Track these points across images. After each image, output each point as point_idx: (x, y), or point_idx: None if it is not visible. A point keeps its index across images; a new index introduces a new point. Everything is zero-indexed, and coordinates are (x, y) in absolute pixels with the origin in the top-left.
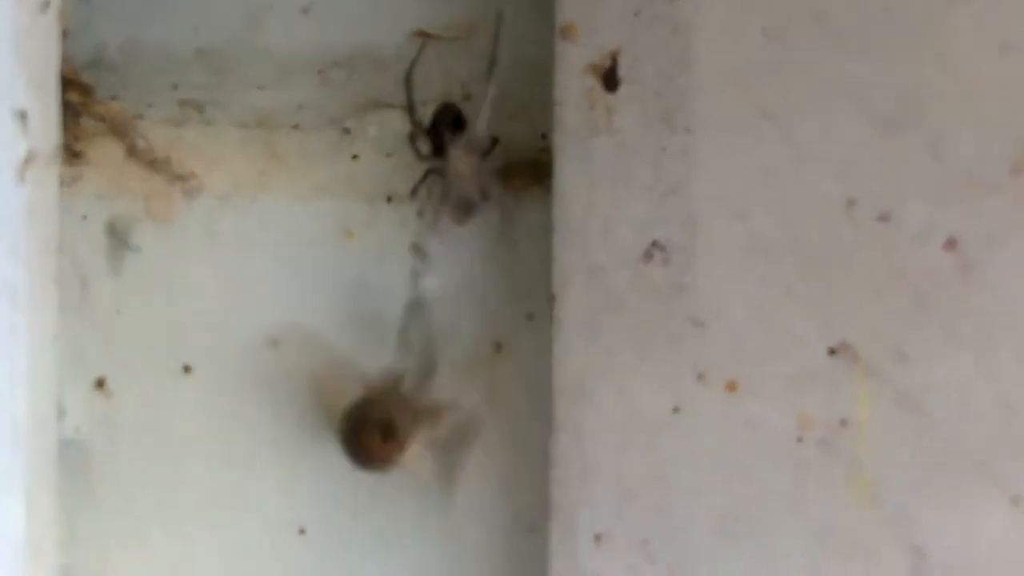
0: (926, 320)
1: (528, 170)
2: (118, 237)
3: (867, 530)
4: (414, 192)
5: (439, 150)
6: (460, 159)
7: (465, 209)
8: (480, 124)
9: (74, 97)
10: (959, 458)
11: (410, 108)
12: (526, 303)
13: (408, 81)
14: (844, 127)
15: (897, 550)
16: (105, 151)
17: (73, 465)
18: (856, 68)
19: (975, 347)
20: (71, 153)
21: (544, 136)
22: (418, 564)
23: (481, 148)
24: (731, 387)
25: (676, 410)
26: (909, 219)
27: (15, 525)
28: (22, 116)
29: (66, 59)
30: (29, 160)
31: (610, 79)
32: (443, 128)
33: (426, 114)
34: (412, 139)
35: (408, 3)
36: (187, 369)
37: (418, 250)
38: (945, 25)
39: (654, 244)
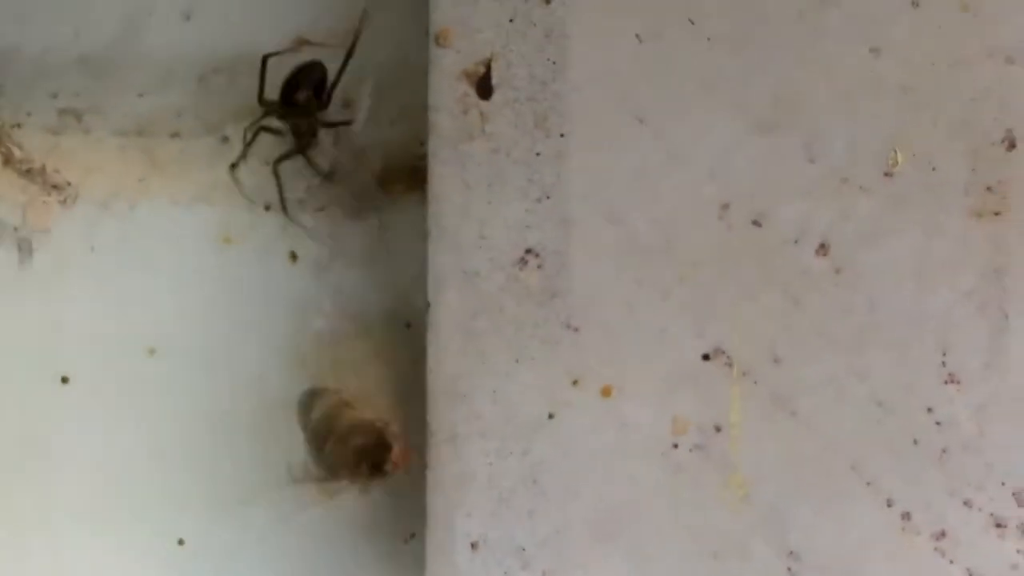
0: (799, 322)
1: (406, 176)
2: None
3: (742, 532)
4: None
5: (289, 103)
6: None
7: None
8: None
9: None
10: (833, 459)
11: (260, 88)
12: (404, 311)
13: (263, 64)
14: (718, 129)
15: (772, 552)
16: None
17: None
18: (729, 69)
19: (847, 348)
20: None
21: (423, 143)
22: (297, 573)
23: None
24: (606, 392)
25: (551, 415)
26: (782, 222)
27: None
28: None
29: None
30: None
31: (484, 85)
32: (302, 83)
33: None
34: (262, 119)
35: (289, 10)
36: (64, 380)
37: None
38: (817, 27)
39: (528, 250)
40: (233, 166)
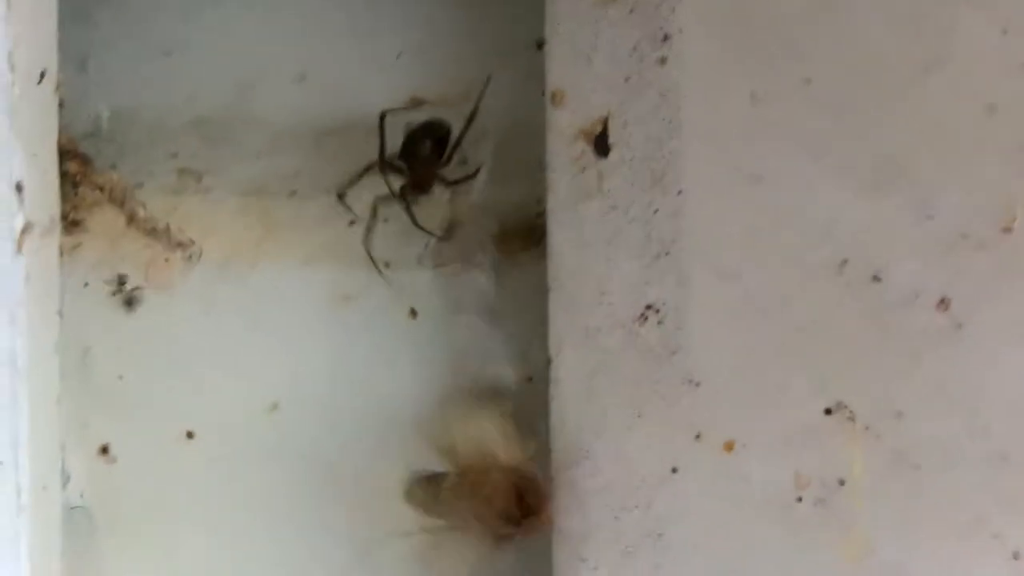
0: (919, 378)
1: (524, 234)
2: (119, 307)
3: None
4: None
5: (411, 155)
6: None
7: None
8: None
9: (73, 167)
10: (956, 514)
11: (380, 145)
12: (525, 365)
13: (381, 121)
14: (831, 188)
15: None
16: (105, 220)
17: (78, 530)
18: (840, 131)
19: (968, 403)
20: (71, 222)
21: (539, 201)
22: None
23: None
24: (728, 447)
25: (674, 470)
26: (900, 279)
27: None
28: (18, 188)
29: (64, 130)
30: (26, 231)
31: (601, 144)
32: (426, 136)
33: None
34: (382, 171)
35: (401, 70)
36: (190, 435)
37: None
38: (927, 88)
39: (648, 306)
40: (367, 234)
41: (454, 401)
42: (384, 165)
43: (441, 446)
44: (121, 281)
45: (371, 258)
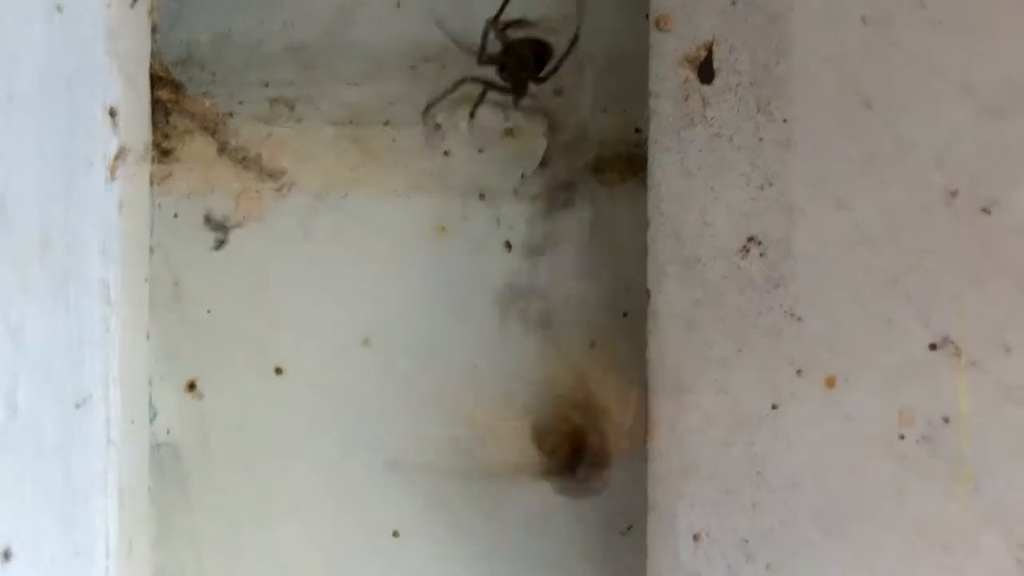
0: None
1: (621, 164)
2: (211, 237)
3: (970, 524)
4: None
5: (509, 60)
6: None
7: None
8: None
9: (164, 94)
10: None
11: (481, 49)
12: (621, 300)
13: (485, 28)
14: (946, 114)
15: (1001, 543)
16: (196, 149)
17: (166, 467)
18: (958, 53)
19: None
20: (162, 151)
21: (638, 130)
22: (515, 566)
23: None
24: (830, 383)
25: (775, 406)
26: (1012, 208)
27: (109, 524)
28: (112, 113)
29: (156, 56)
30: (120, 157)
31: (706, 70)
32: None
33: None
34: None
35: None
36: (279, 371)
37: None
38: None
39: (751, 237)
40: (428, 108)
41: (545, 335)
42: (482, 61)
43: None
44: (210, 220)
45: (424, 121)
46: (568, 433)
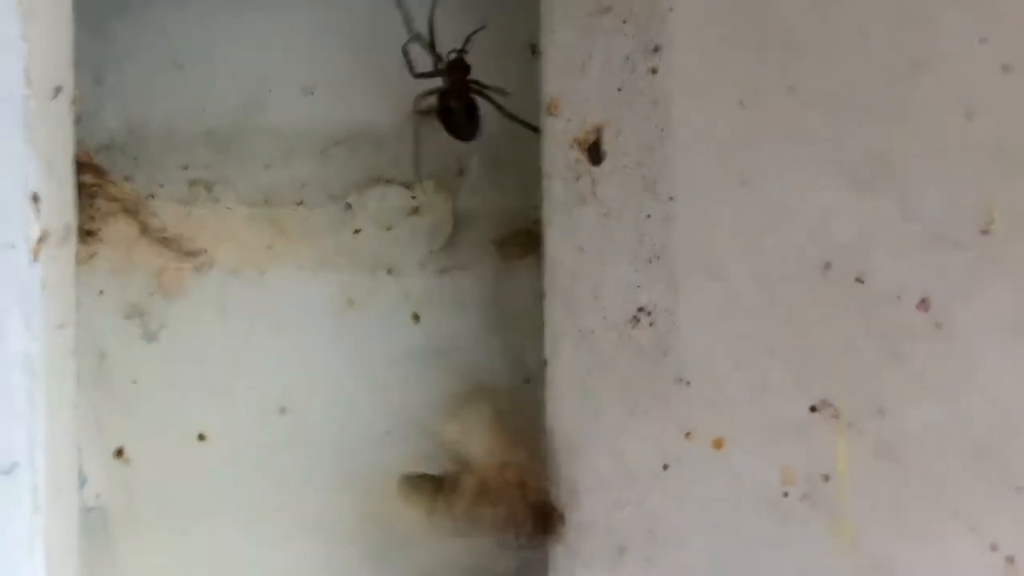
0: (901, 374)
1: (522, 240)
2: (134, 313)
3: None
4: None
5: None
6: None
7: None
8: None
9: (88, 179)
10: (937, 505)
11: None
12: (522, 368)
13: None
14: (817, 189)
15: None
16: (119, 229)
17: (95, 531)
18: (826, 132)
19: (948, 397)
20: (87, 232)
21: (536, 207)
22: None
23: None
24: (718, 444)
25: (665, 467)
26: (883, 279)
27: None
28: (35, 198)
29: (80, 143)
30: (43, 239)
31: (595, 152)
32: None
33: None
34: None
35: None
36: (202, 437)
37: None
38: (912, 90)
39: (640, 308)
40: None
41: (455, 404)
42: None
43: (446, 449)
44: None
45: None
46: (506, 498)
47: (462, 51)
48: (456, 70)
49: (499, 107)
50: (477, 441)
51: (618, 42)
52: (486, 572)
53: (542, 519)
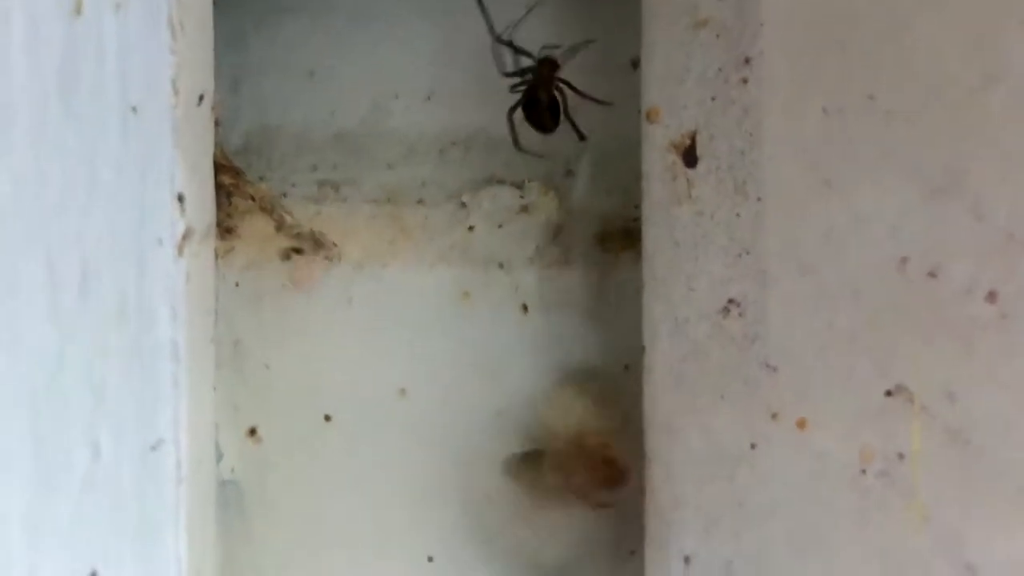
0: (971, 363)
1: (622, 236)
2: (267, 304)
3: (923, 550)
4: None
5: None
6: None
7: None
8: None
9: (226, 180)
10: (1003, 484)
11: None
12: (623, 355)
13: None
14: (896, 193)
15: (950, 568)
16: (254, 226)
17: (230, 503)
18: (904, 139)
19: (1014, 385)
20: (225, 229)
21: (636, 207)
22: None
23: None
24: (801, 424)
25: (753, 446)
26: (955, 275)
27: (179, 554)
28: (180, 198)
29: (218, 146)
30: (187, 236)
31: (690, 156)
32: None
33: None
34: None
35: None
36: (327, 418)
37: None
38: (982, 102)
39: (730, 300)
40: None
41: (559, 387)
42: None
43: (546, 427)
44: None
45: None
46: (583, 463)
47: (553, 47)
48: (545, 66)
49: (580, 93)
50: (575, 421)
51: (712, 55)
52: (588, 543)
53: (609, 476)
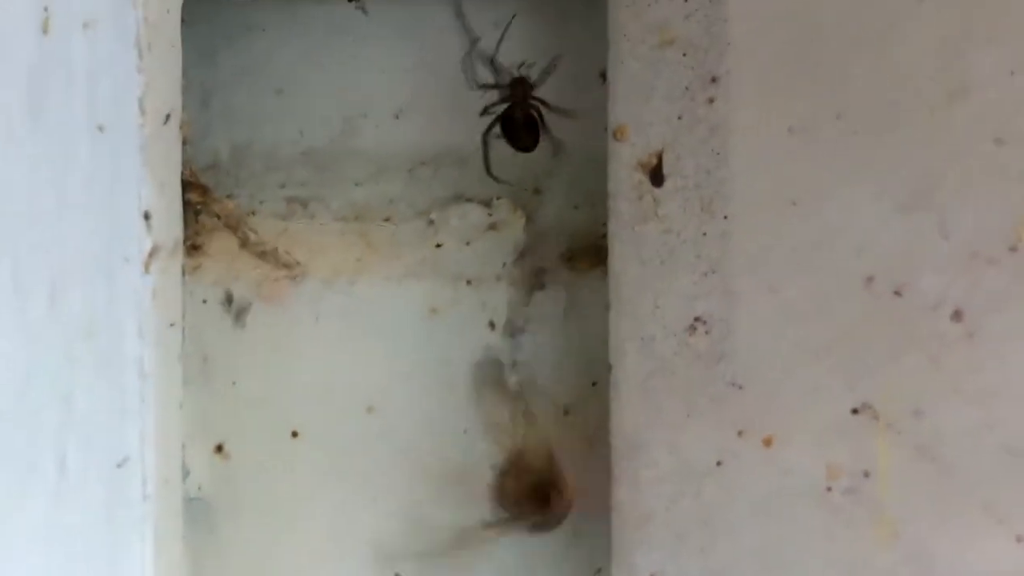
0: (938, 380)
1: (590, 254)
2: (235, 320)
3: (892, 566)
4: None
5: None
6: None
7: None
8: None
9: (194, 197)
10: (969, 500)
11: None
12: (590, 372)
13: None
14: (862, 211)
15: None
16: (222, 244)
17: (198, 520)
18: (871, 158)
19: (980, 401)
20: (192, 246)
21: (604, 224)
22: None
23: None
24: (767, 442)
25: (719, 463)
26: (921, 292)
27: (147, 567)
28: (147, 216)
29: (186, 163)
30: (153, 253)
31: (656, 174)
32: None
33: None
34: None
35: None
36: (295, 434)
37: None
38: (948, 118)
39: (697, 318)
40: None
41: (525, 403)
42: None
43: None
44: (229, 299)
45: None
46: (534, 485)
47: (527, 66)
48: (519, 85)
49: (554, 108)
50: (535, 438)
51: (679, 73)
52: (555, 560)
53: (544, 497)
